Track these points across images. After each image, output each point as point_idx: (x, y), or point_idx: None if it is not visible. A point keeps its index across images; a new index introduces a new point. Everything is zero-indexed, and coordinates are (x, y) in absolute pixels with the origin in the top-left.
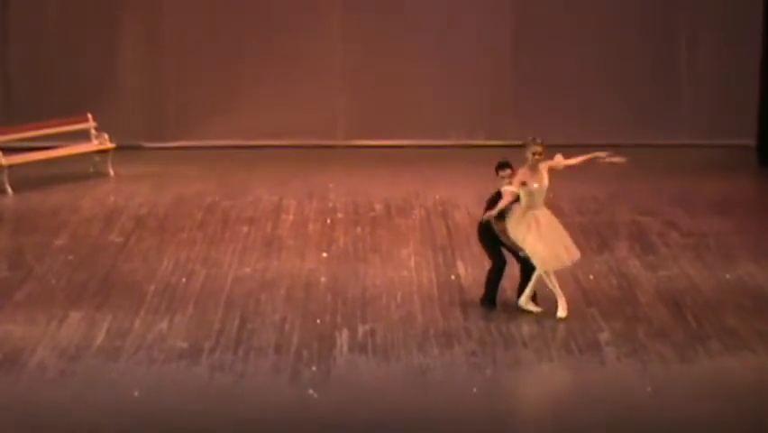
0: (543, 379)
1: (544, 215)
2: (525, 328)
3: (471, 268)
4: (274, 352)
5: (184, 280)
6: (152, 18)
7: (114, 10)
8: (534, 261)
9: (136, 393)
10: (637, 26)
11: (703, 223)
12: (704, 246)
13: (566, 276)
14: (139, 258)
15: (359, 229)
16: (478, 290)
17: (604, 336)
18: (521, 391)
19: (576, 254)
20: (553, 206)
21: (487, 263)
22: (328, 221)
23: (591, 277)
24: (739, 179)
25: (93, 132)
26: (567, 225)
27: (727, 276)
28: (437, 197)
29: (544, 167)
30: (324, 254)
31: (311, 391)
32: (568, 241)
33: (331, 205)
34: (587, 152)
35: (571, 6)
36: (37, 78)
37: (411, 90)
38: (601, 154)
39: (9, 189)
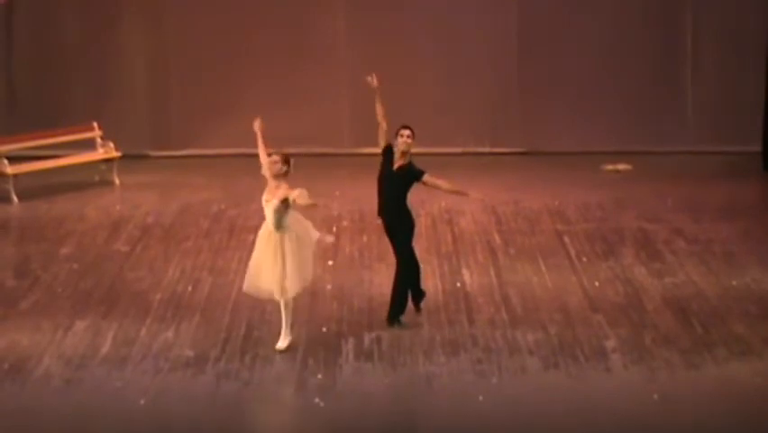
0: (549, 386)
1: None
2: (531, 336)
3: (477, 275)
4: (280, 360)
5: (190, 288)
6: (156, 27)
7: (118, 19)
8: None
9: (142, 402)
10: (642, 34)
11: (709, 229)
12: (710, 253)
13: (572, 282)
14: (145, 267)
15: (365, 237)
16: (484, 298)
17: (610, 344)
18: (527, 398)
19: (277, 294)
20: (559, 212)
21: (493, 270)
22: (334, 229)
23: (597, 284)
24: (744, 186)
25: (98, 140)
26: (572, 233)
27: (734, 282)
28: (442, 204)
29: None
30: (330, 262)
31: (317, 400)
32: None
33: (336, 213)
34: (593, 161)
35: (576, 14)
36: (42, 86)
37: (416, 98)
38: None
39: (15, 198)
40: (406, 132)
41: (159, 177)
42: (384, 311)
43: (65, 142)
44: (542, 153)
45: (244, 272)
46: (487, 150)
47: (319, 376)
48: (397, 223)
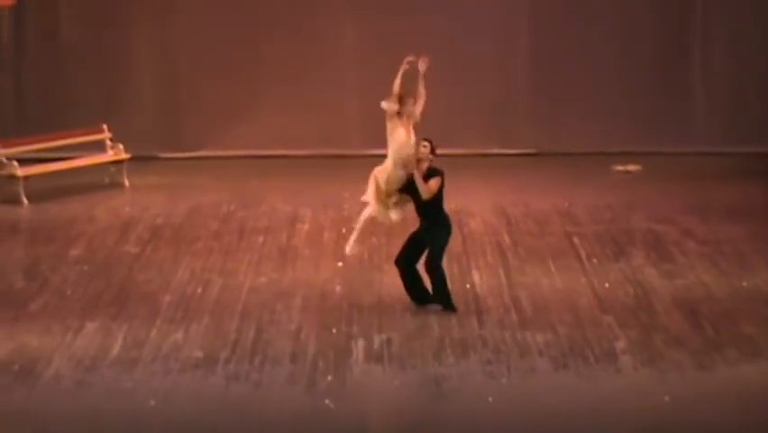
0: (558, 387)
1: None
2: (541, 337)
3: (486, 277)
4: (290, 361)
5: (200, 290)
6: (166, 29)
7: (128, 21)
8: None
9: (152, 403)
10: (651, 36)
11: (719, 230)
12: (720, 254)
13: (582, 283)
14: (154, 268)
15: (374, 238)
16: (493, 299)
17: (620, 345)
18: (537, 399)
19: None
20: (569, 214)
21: (503, 271)
22: (343, 230)
23: (607, 285)
24: (754, 187)
25: (108, 142)
26: (582, 234)
27: (744, 284)
28: (452, 205)
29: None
30: (340, 264)
31: (327, 401)
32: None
33: (346, 214)
34: (603, 162)
35: (586, 16)
36: (51, 89)
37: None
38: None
39: (25, 200)
40: (425, 143)
41: (168, 178)
42: (394, 312)
43: (74, 144)
44: (551, 154)
45: (254, 274)
46: (496, 151)
47: (329, 378)
48: (437, 230)
